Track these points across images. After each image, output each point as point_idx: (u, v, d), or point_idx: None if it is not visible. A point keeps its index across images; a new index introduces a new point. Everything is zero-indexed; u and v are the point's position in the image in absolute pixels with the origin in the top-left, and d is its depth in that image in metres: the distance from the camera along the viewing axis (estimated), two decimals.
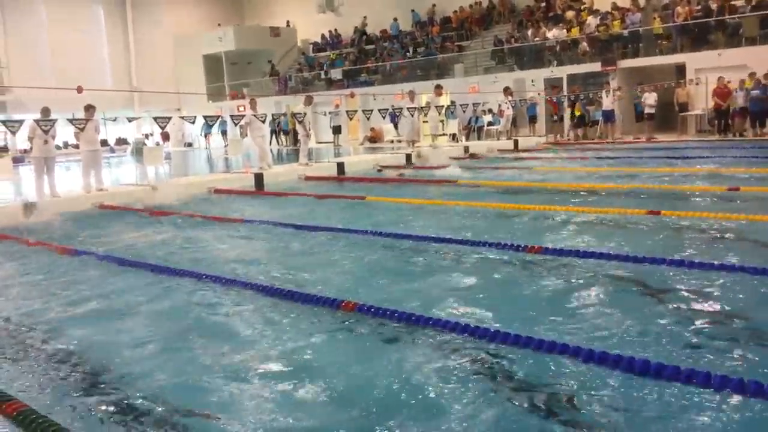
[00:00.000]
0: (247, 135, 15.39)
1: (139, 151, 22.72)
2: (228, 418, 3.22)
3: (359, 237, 7.38)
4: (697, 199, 8.86)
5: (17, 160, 20.28)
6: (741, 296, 4.63)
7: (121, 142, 35.05)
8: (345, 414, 3.20)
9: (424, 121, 20.61)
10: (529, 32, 25.59)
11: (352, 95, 24.30)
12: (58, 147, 13.28)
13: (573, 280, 5.21)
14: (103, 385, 3.70)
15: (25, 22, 34.06)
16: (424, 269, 5.93)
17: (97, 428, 3.22)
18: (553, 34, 24.59)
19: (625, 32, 22.57)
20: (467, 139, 23.53)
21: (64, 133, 16.18)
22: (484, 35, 28.97)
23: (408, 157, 16.71)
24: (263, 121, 15.09)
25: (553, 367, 3.54)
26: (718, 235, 6.54)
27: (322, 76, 32.70)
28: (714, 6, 20.62)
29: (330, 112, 23.63)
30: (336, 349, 4.06)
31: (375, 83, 29.47)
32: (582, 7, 25.85)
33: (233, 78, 35.47)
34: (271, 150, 19.49)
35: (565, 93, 22.67)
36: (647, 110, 20.10)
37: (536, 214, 8.28)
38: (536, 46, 25.04)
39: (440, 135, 21.29)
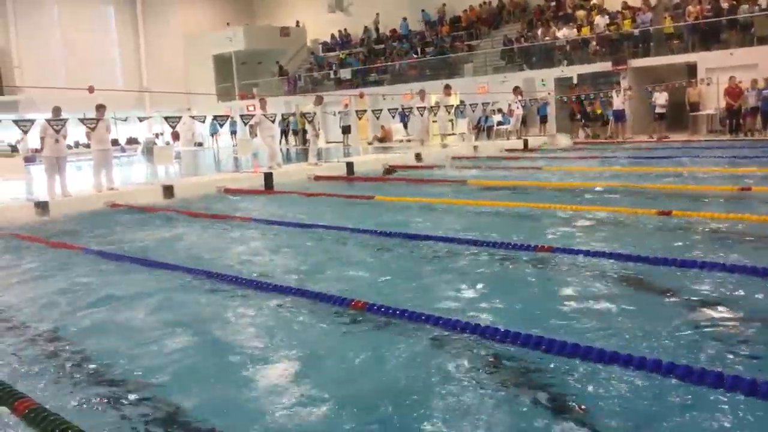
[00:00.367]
0: (256, 135, 15.42)
1: (149, 151, 22.80)
2: (237, 416, 3.24)
3: (367, 236, 7.39)
4: (708, 199, 8.80)
5: (28, 160, 20.39)
6: (758, 298, 4.58)
7: (132, 141, 35.20)
8: (352, 413, 3.21)
9: (433, 121, 20.60)
10: (539, 32, 25.50)
11: (362, 95, 24.30)
12: (69, 146, 13.35)
13: (582, 280, 5.19)
14: (110, 383, 3.72)
15: (36, 23, 34.34)
16: (432, 268, 5.92)
17: (106, 427, 3.22)
18: (564, 33, 24.50)
19: (636, 31, 22.44)
20: (476, 138, 23.48)
21: (76, 132, 16.23)
22: (493, 35, 28.90)
23: (417, 156, 16.72)
24: (273, 121, 15.13)
25: (564, 367, 3.52)
26: (730, 236, 6.49)
27: (332, 76, 32.73)
28: (725, 5, 20.48)
29: (339, 112, 23.65)
30: (344, 348, 4.06)
31: (384, 83, 29.47)
32: (592, 6, 25.74)
33: (243, 78, 35.54)
34: (280, 149, 19.50)
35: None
36: (658, 110, 20.00)
37: (546, 213, 8.25)
38: (546, 45, 24.96)
39: (449, 135, 21.27)
